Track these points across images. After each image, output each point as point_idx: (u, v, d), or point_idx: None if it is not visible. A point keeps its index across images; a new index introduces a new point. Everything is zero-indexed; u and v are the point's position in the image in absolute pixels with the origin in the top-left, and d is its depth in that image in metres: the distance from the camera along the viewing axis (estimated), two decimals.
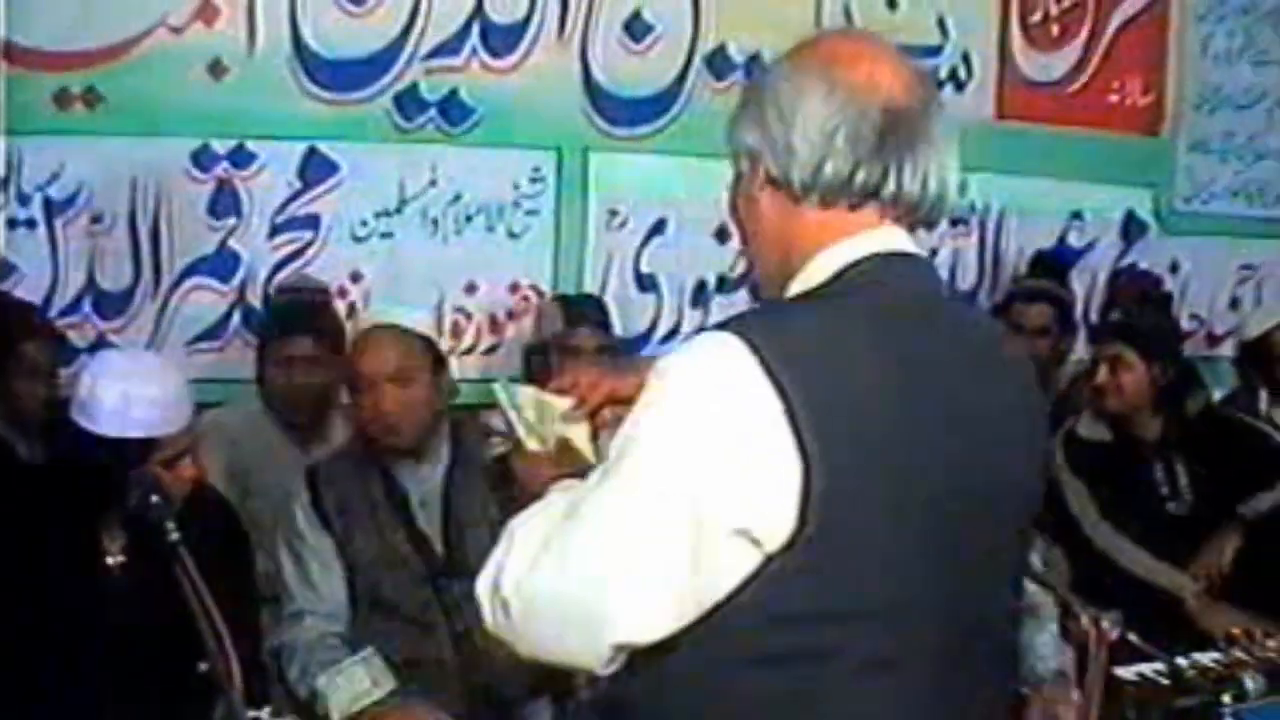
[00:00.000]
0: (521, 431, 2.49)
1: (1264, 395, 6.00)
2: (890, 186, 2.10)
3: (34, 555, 3.53)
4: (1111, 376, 4.94)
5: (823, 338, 2.02)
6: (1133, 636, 3.67)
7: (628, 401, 2.34)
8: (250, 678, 3.22)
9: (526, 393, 2.55)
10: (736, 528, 1.94)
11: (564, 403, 2.52)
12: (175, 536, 3.20)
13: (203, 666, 3.06)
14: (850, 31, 2.22)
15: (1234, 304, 7.23)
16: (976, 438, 2.12)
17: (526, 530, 2.07)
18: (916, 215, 2.16)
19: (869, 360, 2.02)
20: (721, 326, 2.03)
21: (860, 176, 2.09)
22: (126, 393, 3.53)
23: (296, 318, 4.85)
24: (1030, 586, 3.87)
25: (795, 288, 2.16)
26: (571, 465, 2.36)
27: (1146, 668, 4.01)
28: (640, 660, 2.02)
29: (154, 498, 3.32)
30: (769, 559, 1.95)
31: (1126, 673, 3.98)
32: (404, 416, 4.01)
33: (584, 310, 5.19)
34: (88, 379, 3.59)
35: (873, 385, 2.01)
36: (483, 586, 2.08)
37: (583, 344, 5.04)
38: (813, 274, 2.13)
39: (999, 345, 2.35)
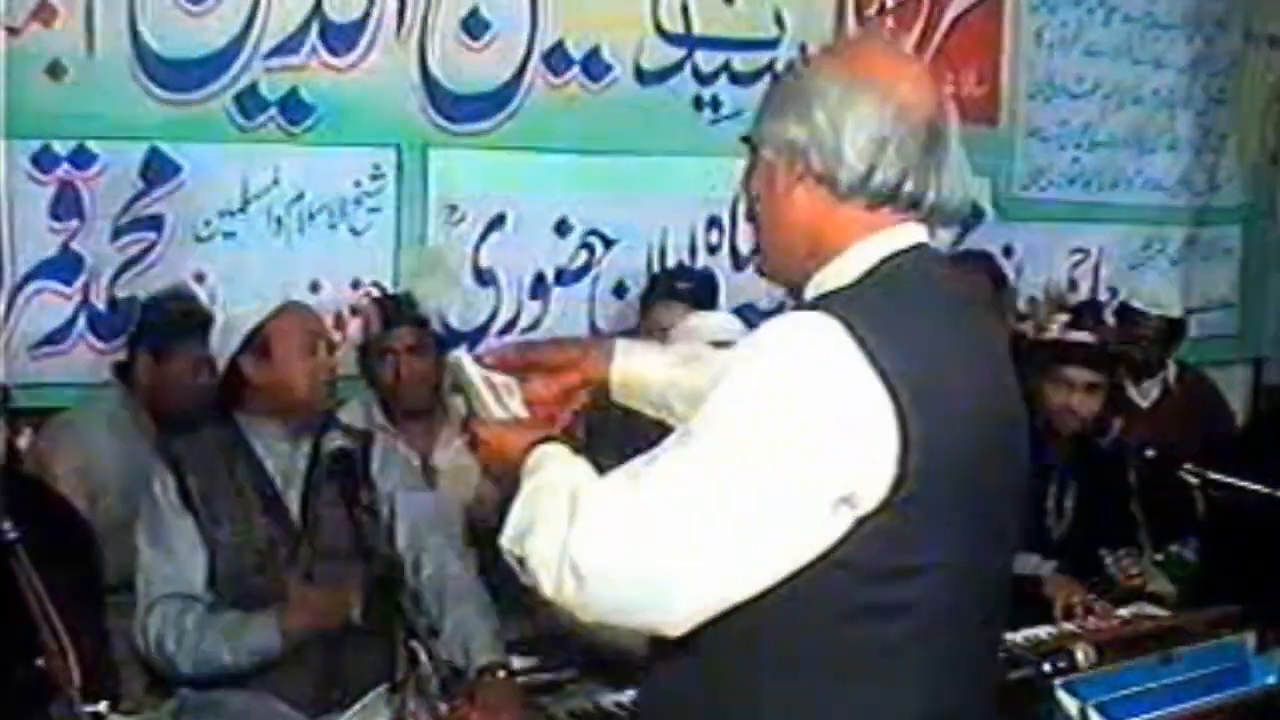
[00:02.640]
0: (490, 402, 2.56)
1: None
2: (930, 196, 2.27)
3: None
4: (1068, 398, 5.04)
5: (897, 321, 2.19)
6: None
7: (551, 369, 2.61)
8: (94, 674, 3.28)
9: (478, 370, 2.62)
10: (836, 496, 2.10)
11: (507, 378, 2.61)
12: (12, 536, 3.24)
13: (39, 663, 3.10)
14: (888, 44, 2.42)
15: (1072, 285, 7.42)
16: (1004, 414, 2.34)
17: (594, 500, 2.15)
18: (942, 218, 2.33)
19: (938, 342, 2.22)
20: (811, 309, 2.20)
21: (908, 186, 2.26)
22: None
23: (181, 328, 4.85)
24: None
25: (824, 276, 2.31)
26: (537, 431, 2.44)
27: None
28: (722, 620, 2.14)
29: None
30: (861, 520, 2.11)
31: None
32: (327, 383, 4.23)
33: (400, 308, 5.25)
34: None
35: (945, 365, 2.19)
36: (542, 555, 2.16)
37: (398, 342, 5.13)
38: (848, 265, 2.29)
39: (995, 324, 2.63)
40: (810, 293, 2.32)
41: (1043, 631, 4.43)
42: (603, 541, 2.11)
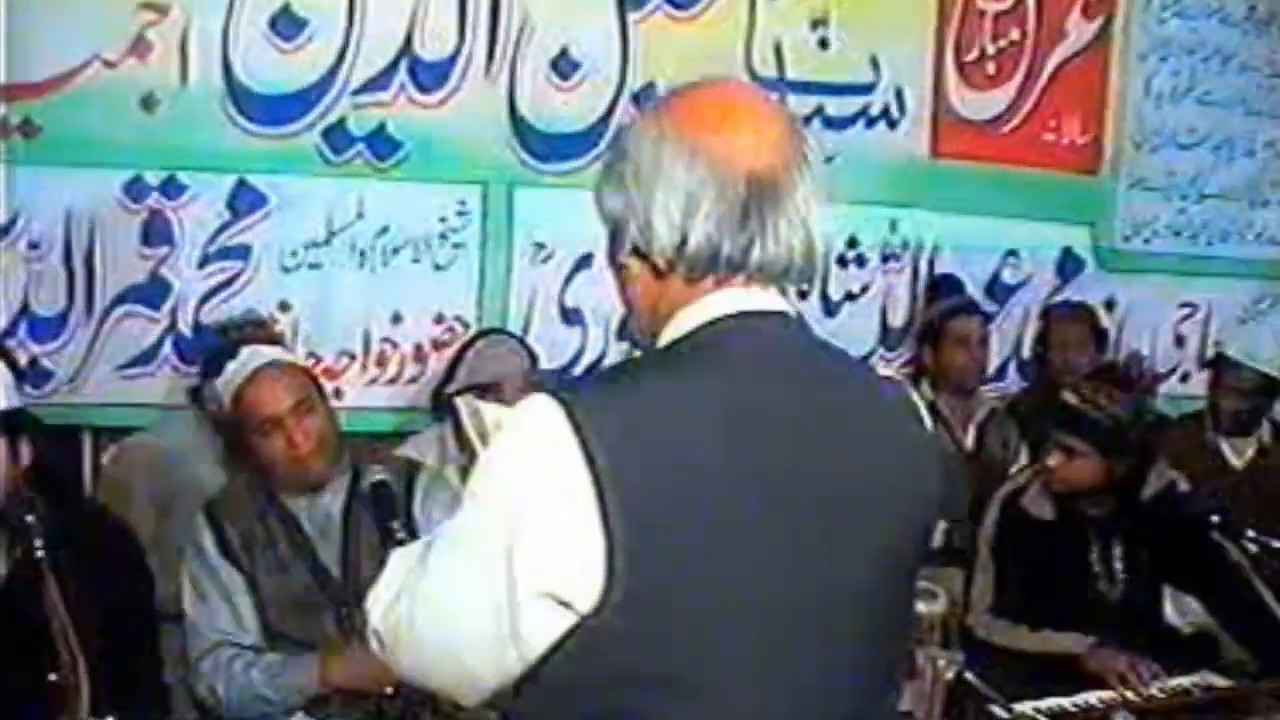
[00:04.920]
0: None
1: None
2: (755, 257, 2.08)
3: None
4: (1065, 461, 4.79)
5: (651, 401, 2.01)
6: (970, 677, 3.77)
7: None
8: (122, 693, 3.35)
9: (489, 410, 2.53)
10: (545, 590, 1.96)
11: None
12: (40, 554, 3.32)
13: (52, 677, 3.18)
14: (715, 85, 2.17)
15: (1179, 341, 7.31)
16: (833, 491, 2.08)
17: (392, 567, 2.14)
18: (783, 278, 2.14)
19: (697, 421, 2.00)
20: (551, 392, 2.02)
21: (725, 250, 2.07)
22: None
23: None
24: None
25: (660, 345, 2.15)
26: None
27: (1026, 706, 4.11)
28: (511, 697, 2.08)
29: (29, 517, 3.44)
30: (581, 621, 1.96)
31: (1001, 712, 4.07)
32: (316, 447, 4.05)
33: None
34: None
35: (698, 448, 1.99)
36: (369, 612, 2.17)
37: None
38: (670, 333, 2.12)
39: (874, 392, 2.26)
40: None
41: (1092, 697, 4.36)
42: (385, 610, 2.11)
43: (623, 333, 5.84)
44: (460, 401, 2.62)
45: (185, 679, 4.07)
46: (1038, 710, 4.13)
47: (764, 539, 2.02)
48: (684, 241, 2.06)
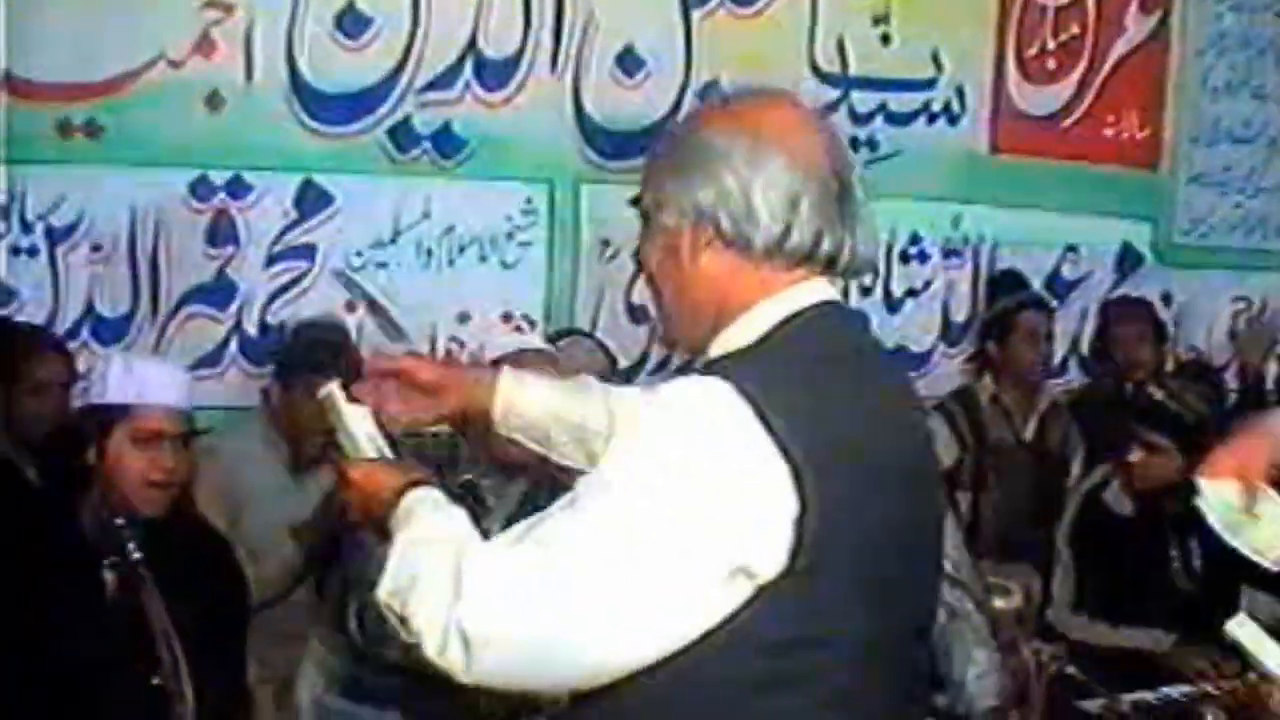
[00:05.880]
0: (361, 439, 2.46)
1: None
2: (846, 252, 2.18)
3: (38, 580, 3.53)
4: (1146, 457, 4.80)
5: (794, 384, 2.07)
6: (1072, 670, 3.74)
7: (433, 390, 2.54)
8: (225, 701, 3.34)
9: (351, 406, 2.51)
10: (732, 566, 1.99)
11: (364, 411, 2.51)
12: (137, 556, 3.30)
13: (156, 681, 3.16)
14: (777, 95, 2.26)
15: (1233, 336, 7.26)
16: (914, 477, 2.24)
17: (483, 566, 2.05)
18: (860, 273, 2.28)
19: (834, 403, 2.10)
20: (707, 373, 2.08)
21: (825, 245, 2.16)
22: (128, 363, 3.65)
23: (325, 356, 4.87)
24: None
25: (728, 338, 2.19)
26: (410, 473, 2.35)
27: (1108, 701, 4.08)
28: (626, 686, 2.05)
29: (118, 520, 3.43)
30: (760, 589, 2.01)
31: (1091, 705, 4.04)
32: None
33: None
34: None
35: (846, 425, 2.09)
36: (429, 618, 2.05)
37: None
38: (751, 326, 2.17)
39: (911, 386, 2.47)
40: (713, 354, 2.22)
41: (1175, 692, 4.32)
42: (493, 611, 2.02)
43: None
44: (326, 392, 2.55)
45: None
46: (1132, 704, 4.10)
47: (888, 515, 2.13)
48: (787, 232, 2.14)
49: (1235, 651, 2.82)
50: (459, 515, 2.22)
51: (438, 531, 2.18)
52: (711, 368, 2.12)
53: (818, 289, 2.20)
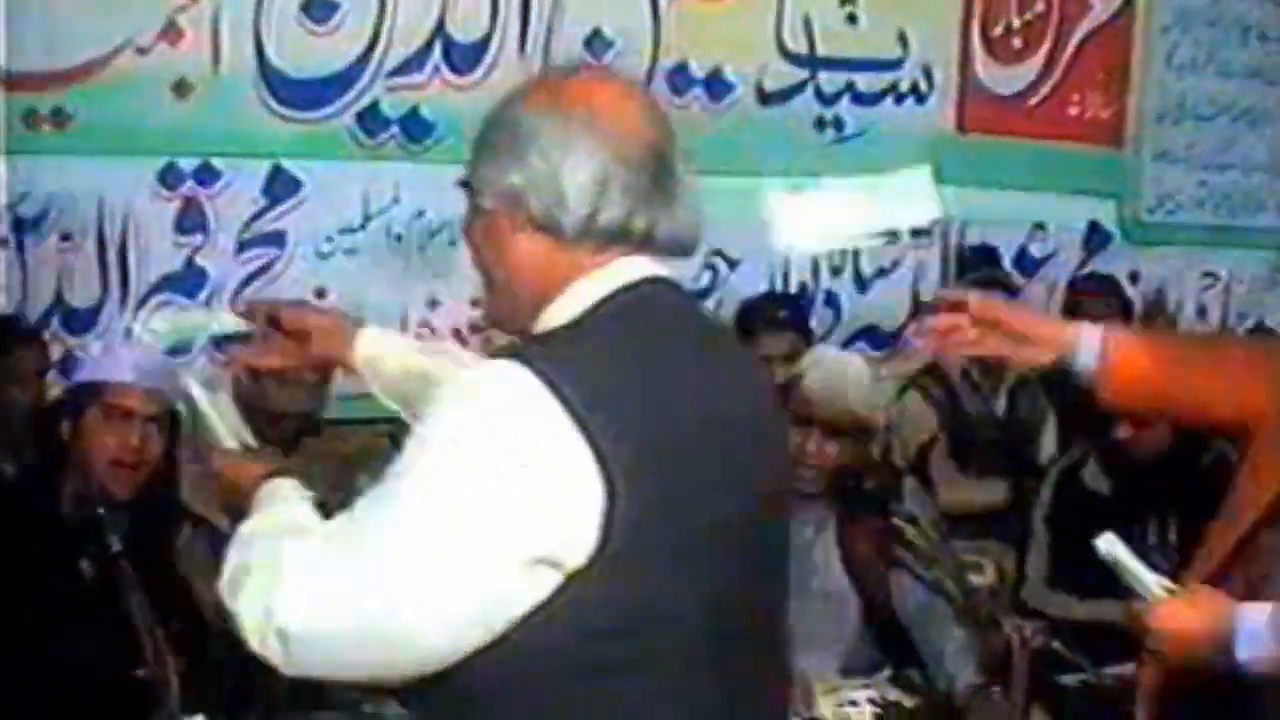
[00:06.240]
0: (220, 430, 2.47)
1: None
2: (662, 230, 2.14)
3: (15, 575, 3.52)
4: (1134, 433, 4.79)
5: (604, 364, 2.06)
6: (1057, 644, 3.76)
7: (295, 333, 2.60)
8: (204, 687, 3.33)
9: (208, 395, 2.54)
10: (534, 554, 1.96)
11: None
12: (117, 548, 3.29)
13: (140, 673, 3.16)
14: (596, 70, 2.38)
15: (1201, 312, 7.30)
16: (742, 442, 2.18)
17: (300, 558, 2.04)
18: (681, 252, 2.20)
19: (649, 382, 2.07)
20: (509, 357, 2.04)
21: (637, 223, 2.12)
22: (107, 344, 3.64)
23: None
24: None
25: (549, 317, 2.16)
26: (271, 462, 2.38)
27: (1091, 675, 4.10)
28: (455, 675, 2.02)
29: (100, 509, 3.42)
30: (570, 577, 1.97)
31: (1071, 679, 4.06)
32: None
33: None
34: None
35: (656, 405, 2.05)
36: (250, 612, 2.04)
37: None
38: (570, 303, 2.14)
39: (743, 350, 2.51)
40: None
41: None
42: (302, 604, 2.00)
43: None
44: (185, 384, 2.59)
45: None
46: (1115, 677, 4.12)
47: (713, 487, 2.09)
48: (595, 214, 2.10)
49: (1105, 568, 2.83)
50: (303, 507, 2.22)
51: (276, 522, 2.18)
52: (517, 351, 2.07)
53: (638, 265, 2.15)
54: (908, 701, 3.86)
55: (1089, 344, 2.85)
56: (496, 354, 2.08)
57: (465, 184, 2.22)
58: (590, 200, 2.10)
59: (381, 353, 2.62)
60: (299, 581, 2.01)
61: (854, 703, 3.83)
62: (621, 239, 2.13)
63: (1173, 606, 2.63)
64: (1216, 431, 2.90)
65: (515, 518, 1.95)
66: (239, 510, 2.29)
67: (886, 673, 4.02)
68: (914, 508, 4.16)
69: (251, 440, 2.48)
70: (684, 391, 2.10)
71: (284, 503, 2.24)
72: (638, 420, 2.01)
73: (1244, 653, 2.41)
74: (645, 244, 2.14)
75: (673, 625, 2.06)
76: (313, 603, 2.00)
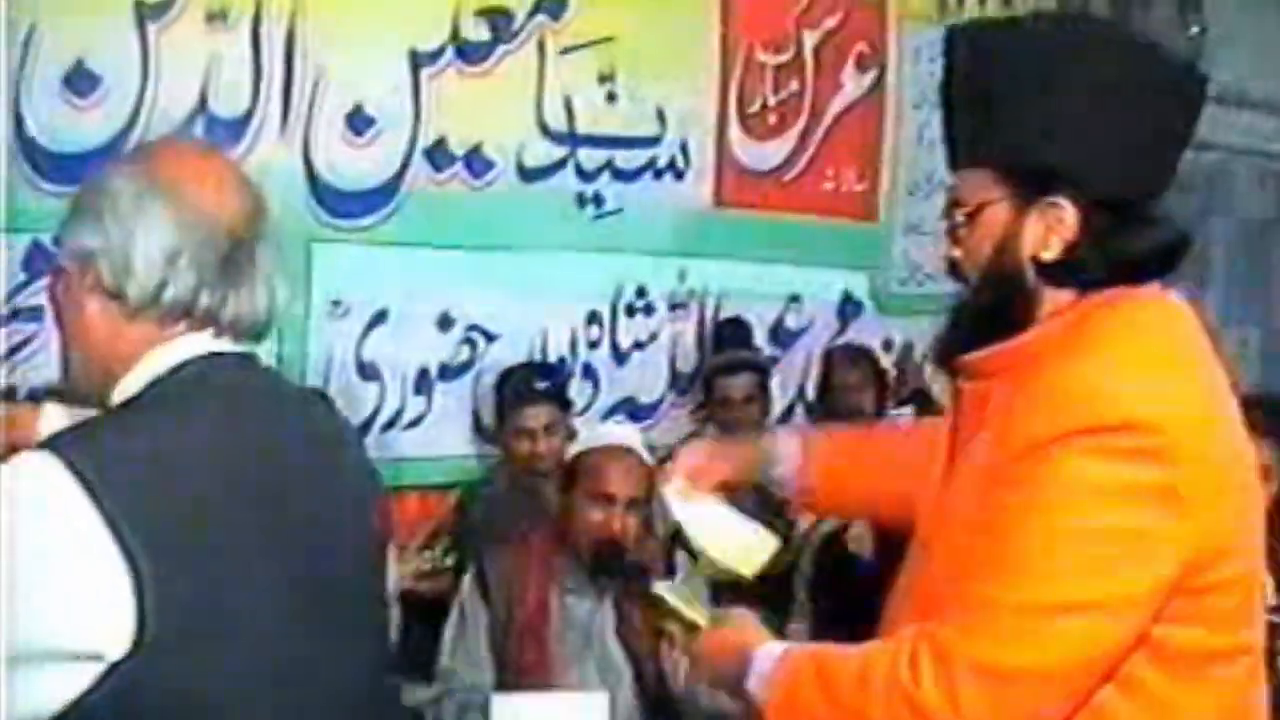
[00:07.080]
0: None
1: None
2: (229, 311, 2.17)
3: None
4: None
5: (147, 440, 2.04)
6: None
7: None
8: None
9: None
10: (70, 651, 1.93)
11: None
12: None
13: None
14: (194, 146, 2.48)
15: None
16: (311, 504, 2.21)
17: None
18: (249, 333, 2.23)
19: (195, 453, 2.06)
20: (42, 445, 2.01)
21: (202, 301, 2.15)
22: None
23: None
24: None
25: (123, 389, 2.16)
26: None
27: None
28: None
29: None
30: (113, 668, 1.94)
31: None
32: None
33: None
34: None
35: (201, 479, 2.05)
36: None
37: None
38: (137, 378, 2.15)
39: (330, 419, 2.44)
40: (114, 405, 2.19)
41: None
42: None
43: (420, 387, 5.89)
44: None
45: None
46: None
47: (269, 560, 2.10)
48: (161, 289, 2.13)
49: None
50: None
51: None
52: (54, 441, 2.04)
53: (200, 343, 2.17)
54: None
55: (786, 453, 3.01)
56: (40, 443, 2.05)
57: (55, 240, 2.23)
58: (158, 273, 2.12)
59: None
60: None
61: None
62: (187, 315, 2.15)
63: (708, 637, 2.71)
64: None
65: (47, 613, 1.93)
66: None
67: None
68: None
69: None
70: (244, 467, 2.11)
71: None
72: (176, 502, 2.00)
73: (751, 685, 2.52)
74: (209, 322, 2.17)
75: (249, 703, 2.06)
76: None
